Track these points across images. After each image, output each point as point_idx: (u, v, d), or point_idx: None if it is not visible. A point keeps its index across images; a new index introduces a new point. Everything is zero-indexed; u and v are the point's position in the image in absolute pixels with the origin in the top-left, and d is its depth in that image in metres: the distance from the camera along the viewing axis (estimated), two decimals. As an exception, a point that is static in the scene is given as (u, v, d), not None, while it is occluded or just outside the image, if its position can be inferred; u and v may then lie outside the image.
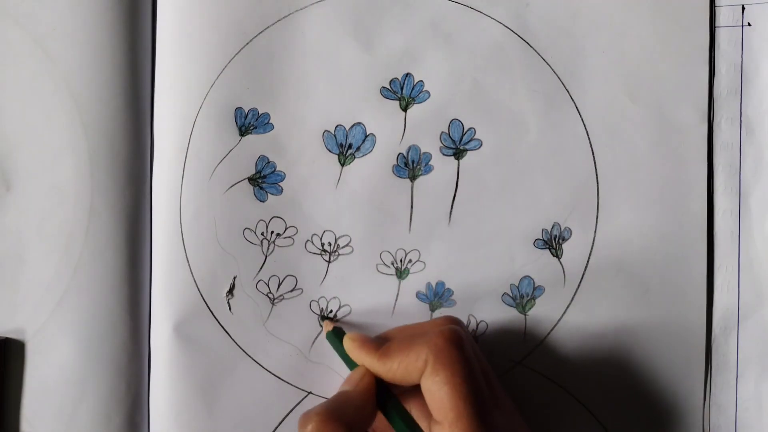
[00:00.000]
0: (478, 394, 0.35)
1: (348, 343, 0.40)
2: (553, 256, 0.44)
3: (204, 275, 0.44)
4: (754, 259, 0.44)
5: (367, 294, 0.44)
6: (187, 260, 0.44)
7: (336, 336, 0.42)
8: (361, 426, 0.37)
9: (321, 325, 0.44)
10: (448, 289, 0.44)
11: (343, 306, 0.44)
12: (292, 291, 0.44)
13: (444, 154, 0.44)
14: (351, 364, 0.40)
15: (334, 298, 0.44)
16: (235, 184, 0.44)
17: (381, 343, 0.39)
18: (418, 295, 0.44)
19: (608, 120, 0.44)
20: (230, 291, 0.44)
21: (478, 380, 0.36)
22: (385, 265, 0.44)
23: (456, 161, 0.44)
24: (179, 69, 0.44)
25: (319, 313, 0.44)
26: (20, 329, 0.43)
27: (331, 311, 0.44)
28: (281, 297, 0.44)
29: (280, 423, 0.44)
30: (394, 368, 0.37)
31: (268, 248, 0.44)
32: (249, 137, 0.44)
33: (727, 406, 0.43)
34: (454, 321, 0.40)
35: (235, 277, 0.44)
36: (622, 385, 0.43)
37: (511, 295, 0.44)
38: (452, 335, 0.36)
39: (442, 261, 0.44)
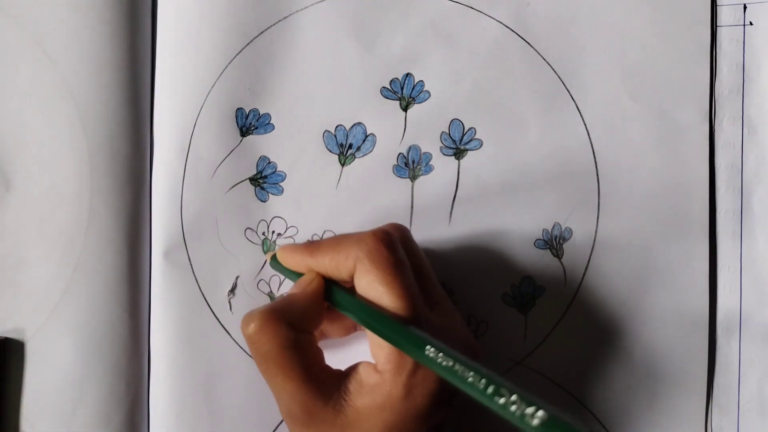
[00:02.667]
0: (410, 295, 0.35)
1: (281, 253, 0.39)
2: (554, 256, 0.44)
3: (205, 275, 0.44)
4: (757, 260, 0.43)
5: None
6: (189, 260, 0.44)
7: (275, 260, 0.41)
8: (307, 325, 0.36)
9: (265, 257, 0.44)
10: (449, 289, 0.44)
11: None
12: (292, 291, 0.44)
13: (444, 154, 0.44)
14: (290, 275, 0.39)
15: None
16: (237, 184, 0.44)
17: (309, 243, 0.38)
18: (419, 295, 0.44)
19: (609, 120, 0.44)
20: (232, 290, 0.44)
21: (408, 279, 0.35)
22: (386, 265, 0.44)
23: (456, 161, 0.44)
24: (179, 69, 0.44)
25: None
26: (20, 329, 0.43)
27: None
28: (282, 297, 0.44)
29: (280, 423, 0.44)
30: (326, 263, 0.37)
31: (269, 248, 0.44)
32: (250, 138, 0.44)
33: (729, 408, 0.43)
34: (394, 226, 0.39)
35: (237, 277, 0.44)
36: (624, 385, 0.43)
37: (511, 295, 0.44)
38: (383, 235, 0.36)
39: (443, 261, 0.44)
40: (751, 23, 0.44)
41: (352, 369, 0.37)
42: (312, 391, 0.35)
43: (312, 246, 0.38)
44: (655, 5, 0.44)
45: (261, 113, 0.44)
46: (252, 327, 0.35)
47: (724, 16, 0.44)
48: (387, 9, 0.44)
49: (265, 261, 0.44)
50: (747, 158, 0.44)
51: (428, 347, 0.33)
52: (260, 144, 0.44)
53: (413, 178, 0.44)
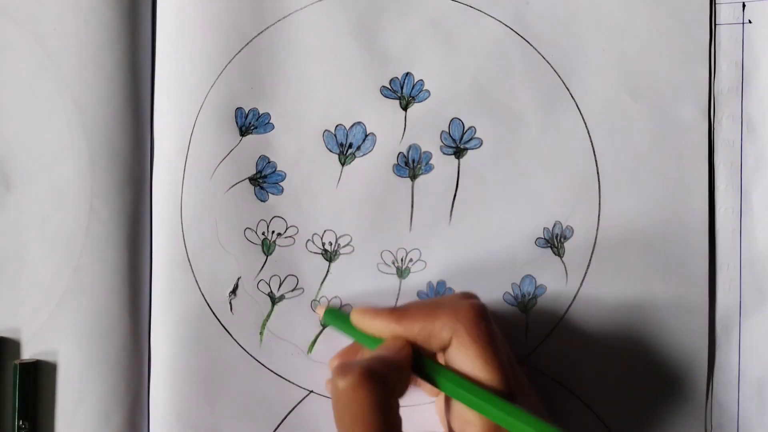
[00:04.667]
0: (507, 372, 0.34)
1: (357, 317, 0.38)
2: (555, 254, 0.44)
3: (205, 275, 0.44)
4: (756, 257, 0.43)
5: (368, 293, 0.44)
6: (188, 260, 0.44)
7: (335, 316, 0.40)
8: (397, 390, 0.35)
9: (314, 311, 0.44)
10: (449, 289, 0.44)
11: (344, 305, 0.44)
12: (293, 290, 0.44)
13: (444, 153, 0.44)
14: (363, 339, 0.38)
15: (335, 297, 0.44)
16: (236, 184, 0.44)
17: (394, 309, 0.37)
18: (419, 294, 0.44)
19: (609, 118, 0.44)
20: (233, 291, 0.44)
21: (504, 355, 0.35)
22: (386, 264, 0.44)
23: (456, 160, 0.44)
24: (179, 69, 0.44)
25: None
26: (20, 329, 0.43)
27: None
28: (282, 297, 0.44)
29: (281, 422, 0.44)
30: (415, 332, 0.36)
31: (269, 248, 0.44)
32: (249, 137, 0.44)
33: (729, 405, 0.43)
34: (471, 296, 0.39)
35: (239, 278, 0.44)
36: (625, 383, 0.43)
37: (512, 294, 0.44)
38: (481, 309, 0.35)
39: (443, 260, 0.44)
40: (750, 21, 0.44)
41: None
42: None
43: (399, 312, 0.37)
44: (654, 4, 0.44)
45: (261, 113, 0.44)
46: (348, 381, 0.33)
47: (723, 14, 0.44)
48: (387, 8, 0.44)
49: (318, 313, 0.43)
50: (746, 156, 0.44)
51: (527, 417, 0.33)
52: (260, 143, 0.44)
53: (413, 177, 0.44)
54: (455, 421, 0.35)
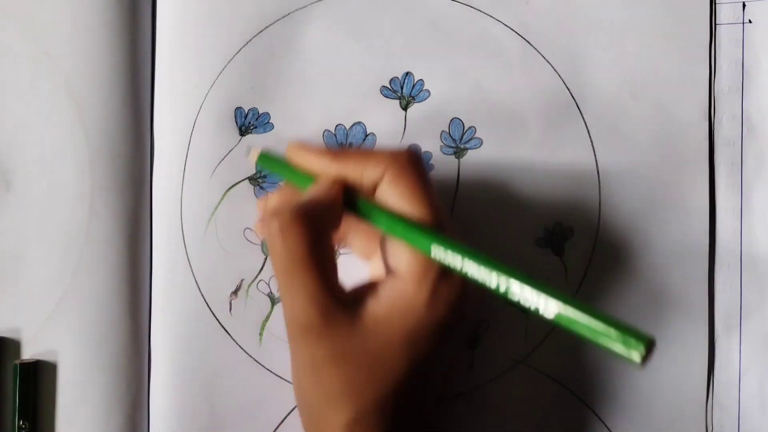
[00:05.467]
0: (437, 206, 0.35)
1: (293, 150, 0.38)
2: (555, 254, 0.44)
3: (205, 275, 0.44)
4: (757, 257, 0.43)
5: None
6: (188, 260, 0.44)
7: (268, 158, 0.40)
8: (329, 228, 0.36)
9: (246, 156, 0.42)
10: (449, 288, 0.44)
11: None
12: (292, 291, 0.44)
13: (444, 153, 0.44)
14: (295, 178, 0.38)
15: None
16: (236, 183, 0.44)
17: (332, 148, 0.38)
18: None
19: (609, 118, 0.44)
20: (235, 292, 0.44)
21: (435, 194, 0.36)
22: (386, 264, 0.44)
23: (456, 160, 0.44)
24: (179, 69, 0.44)
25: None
26: (20, 329, 0.43)
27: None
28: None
29: (281, 422, 0.44)
30: (349, 170, 0.36)
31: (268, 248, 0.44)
32: (249, 137, 0.44)
33: (730, 405, 0.43)
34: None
35: (242, 280, 0.44)
36: (625, 383, 0.43)
37: (512, 293, 0.44)
38: (415, 152, 0.36)
39: (443, 260, 0.44)
40: (750, 21, 0.44)
41: (367, 283, 0.37)
42: (332, 295, 0.34)
43: (334, 150, 0.37)
44: (654, 4, 0.44)
45: (260, 112, 0.44)
46: (279, 223, 0.33)
47: (724, 14, 0.44)
48: (387, 8, 0.44)
49: (251, 157, 0.41)
50: (746, 156, 0.44)
51: (455, 252, 0.33)
52: (260, 143, 0.44)
53: (413, 177, 0.44)
54: (390, 258, 0.36)
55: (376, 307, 0.35)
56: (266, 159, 0.40)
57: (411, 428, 0.36)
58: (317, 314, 0.34)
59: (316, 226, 0.34)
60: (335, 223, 0.36)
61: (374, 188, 0.36)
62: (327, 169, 0.37)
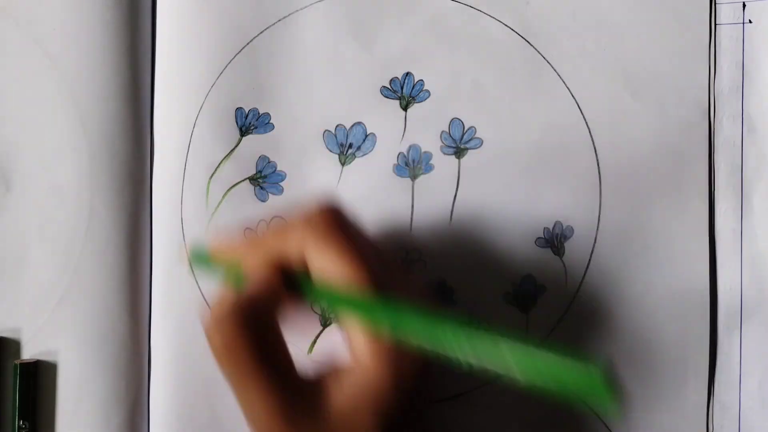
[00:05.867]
0: (368, 263, 0.33)
1: (213, 252, 0.36)
2: (555, 254, 0.44)
3: (205, 275, 0.44)
4: (757, 258, 0.43)
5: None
6: (189, 261, 0.44)
7: (200, 256, 0.38)
8: (273, 315, 0.33)
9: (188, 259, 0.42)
10: (449, 288, 0.44)
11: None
12: (293, 291, 0.44)
13: (444, 153, 0.44)
14: (230, 274, 0.36)
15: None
16: (236, 184, 0.44)
17: (247, 238, 0.36)
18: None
19: (609, 118, 0.44)
20: (234, 292, 0.44)
21: (368, 251, 0.33)
22: (386, 264, 0.44)
23: (457, 160, 0.44)
24: (179, 69, 0.44)
25: (320, 313, 0.44)
26: (20, 329, 0.43)
27: (332, 311, 0.44)
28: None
29: (281, 424, 0.43)
30: (272, 254, 0.34)
31: (268, 249, 0.44)
32: (249, 137, 0.44)
33: (730, 406, 0.43)
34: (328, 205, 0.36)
35: None
36: (625, 383, 0.43)
37: (512, 293, 0.44)
38: (326, 210, 0.34)
39: (443, 260, 0.44)
40: (750, 21, 0.44)
41: (326, 368, 0.34)
42: (289, 396, 0.32)
43: (251, 237, 0.36)
44: (654, 4, 0.44)
45: (261, 113, 0.44)
46: (209, 335, 0.32)
47: (724, 14, 0.44)
48: (386, 8, 0.44)
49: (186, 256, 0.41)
50: (747, 156, 0.44)
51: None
52: (260, 143, 0.44)
53: (414, 177, 0.44)
54: (347, 337, 0.34)
55: (340, 396, 0.32)
56: (198, 257, 0.38)
57: None
58: (278, 420, 0.32)
59: (252, 322, 0.32)
60: (278, 309, 0.34)
61: (303, 260, 0.34)
62: (253, 259, 0.34)
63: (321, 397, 0.33)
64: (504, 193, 0.44)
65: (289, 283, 0.34)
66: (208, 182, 0.44)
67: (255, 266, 0.34)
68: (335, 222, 0.34)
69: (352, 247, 0.33)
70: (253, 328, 0.32)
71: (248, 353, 0.31)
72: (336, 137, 0.44)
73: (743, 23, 0.44)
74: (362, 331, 0.33)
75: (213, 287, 0.44)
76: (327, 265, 0.33)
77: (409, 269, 0.44)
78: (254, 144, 0.44)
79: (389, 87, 0.44)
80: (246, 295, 0.33)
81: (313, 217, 0.34)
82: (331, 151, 0.44)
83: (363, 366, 0.33)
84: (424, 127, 0.44)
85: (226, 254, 0.36)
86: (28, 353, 0.43)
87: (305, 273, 0.34)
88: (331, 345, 0.44)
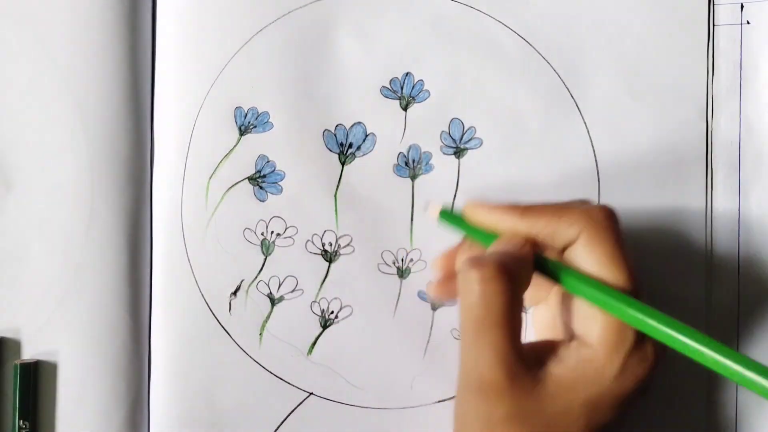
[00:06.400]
0: (635, 273, 0.34)
1: (473, 209, 0.37)
2: (554, 254, 0.44)
3: (205, 275, 0.44)
4: (754, 258, 0.44)
5: (369, 294, 0.44)
6: (188, 260, 0.44)
7: (449, 214, 0.39)
8: (523, 287, 0.34)
9: (426, 211, 0.41)
10: (450, 288, 0.44)
11: (345, 306, 0.44)
12: (292, 291, 0.44)
13: (444, 153, 0.44)
14: (480, 235, 0.37)
15: (335, 298, 0.44)
16: (236, 183, 0.44)
17: (515, 204, 0.36)
18: (420, 294, 0.44)
19: (608, 118, 0.44)
20: (235, 293, 0.44)
21: (632, 259, 0.34)
22: (387, 264, 0.44)
23: (457, 160, 0.44)
24: (179, 69, 0.44)
25: (320, 314, 0.44)
26: (20, 329, 0.43)
27: (332, 312, 0.44)
28: (282, 298, 0.44)
29: (281, 423, 0.44)
30: (539, 228, 0.35)
31: (268, 248, 0.44)
32: (249, 136, 0.44)
33: (728, 405, 0.43)
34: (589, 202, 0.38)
35: (242, 281, 0.44)
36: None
37: (512, 293, 0.44)
38: (610, 212, 0.35)
39: (443, 260, 0.44)
40: (748, 22, 0.44)
41: (548, 343, 0.35)
42: (519, 354, 0.33)
43: (522, 206, 0.36)
44: (653, 4, 0.44)
45: (260, 112, 0.44)
46: (481, 274, 0.33)
47: (722, 15, 0.44)
48: (387, 8, 0.45)
49: (431, 212, 0.39)
50: (744, 156, 0.44)
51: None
52: (259, 143, 0.44)
53: (414, 177, 0.44)
54: (577, 321, 0.35)
55: (560, 370, 0.34)
56: (447, 216, 0.39)
57: None
58: (503, 372, 0.33)
59: (515, 282, 0.33)
60: (527, 282, 0.35)
61: (565, 248, 0.35)
62: (515, 227, 0.36)
63: (539, 365, 0.34)
64: (503, 194, 0.44)
65: (539, 261, 0.35)
66: (208, 182, 0.44)
67: (514, 234, 0.36)
68: (616, 223, 0.35)
69: (625, 250, 0.34)
70: (510, 282, 0.33)
71: (501, 302, 0.33)
72: (336, 137, 0.44)
73: (741, 24, 0.44)
74: (599, 316, 0.34)
75: (213, 287, 0.44)
76: (597, 258, 0.34)
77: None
78: (253, 143, 0.44)
79: (389, 87, 0.44)
80: (506, 252, 0.34)
81: (594, 211, 0.35)
82: (330, 150, 0.44)
83: (591, 347, 0.34)
84: (424, 127, 0.44)
85: (483, 216, 0.37)
86: (28, 353, 0.43)
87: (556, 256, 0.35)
88: (331, 346, 0.44)
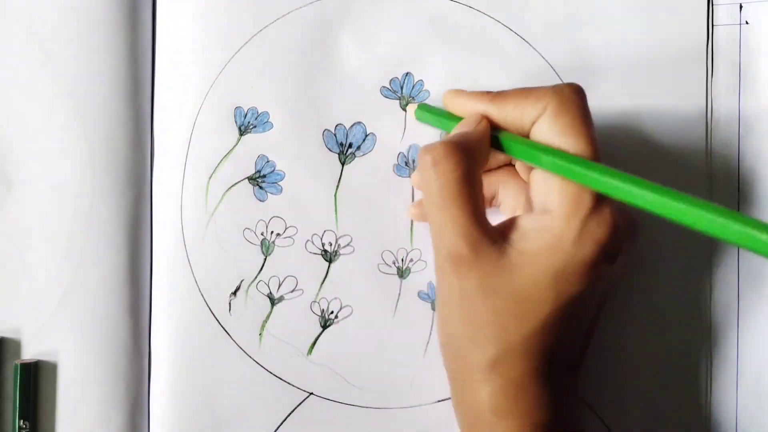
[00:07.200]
0: (596, 143, 0.34)
1: (450, 96, 0.39)
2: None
3: (204, 276, 0.44)
4: (754, 256, 0.44)
5: (369, 294, 0.44)
6: (188, 260, 0.44)
7: (426, 109, 0.41)
8: (479, 163, 0.36)
9: (404, 110, 0.44)
10: (450, 288, 0.44)
11: (345, 306, 0.44)
12: (292, 292, 0.44)
13: (444, 153, 0.44)
14: (454, 125, 0.38)
15: (335, 298, 0.44)
16: (235, 183, 0.44)
17: (490, 92, 0.38)
18: (420, 294, 0.44)
19: (608, 118, 0.44)
20: (234, 293, 0.44)
21: (594, 132, 0.35)
22: (387, 264, 0.44)
23: (456, 160, 0.44)
24: (179, 69, 0.44)
25: (320, 314, 0.44)
26: (20, 329, 0.43)
27: (332, 312, 0.44)
28: (281, 298, 0.44)
29: (281, 424, 0.44)
30: (508, 109, 0.36)
31: (267, 248, 0.44)
32: (249, 136, 0.44)
33: (727, 403, 0.43)
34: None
35: (242, 281, 0.44)
36: (624, 382, 0.43)
37: (512, 293, 0.44)
38: (577, 87, 0.35)
39: (443, 260, 0.44)
40: (747, 22, 0.44)
41: (511, 218, 0.36)
42: (481, 228, 0.34)
43: (494, 93, 0.37)
44: (652, 5, 0.44)
45: (260, 111, 0.44)
46: (433, 157, 0.34)
47: (721, 15, 0.44)
48: (386, 8, 0.45)
49: (408, 112, 0.43)
50: (743, 156, 0.44)
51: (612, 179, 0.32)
52: (259, 143, 0.44)
53: (413, 177, 0.44)
54: (537, 194, 0.35)
55: (523, 242, 0.34)
56: (424, 110, 0.41)
57: (554, 370, 0.36)
58: (467, 245, 0.34)
59: (468, 158, 0.35)
60: (484, 158, 0.36)
61: (532, 123, 0.35)
62: (487, 111, 0.37)
63: (503, 239, 0.35)
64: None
65: (495, 139, 0.36)
66: (208, 182, 0.44)
67: (474, 115, 0.37)
68: (581, 97, 0.35)
69: (587, 121, 0.35)
70: (461, 159, 0.34)
71: (454, 178, 0.34)
72: (336, 137, 0.44)
73: (740, 24, 0.44)
74: (556, 185, 0.34)
75: (213, 287, 0.44)
76: (559, 129, 0.34)
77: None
78: (253, 143, 0.44)
79: (389, 87, 0.44)
80: (460, 131, 0.36)
81: (561, 87, 0.35)
82: (330, 150, 0.44)
83: (549, 215, 0.34)
84: (424, 127, 0.44)
85: (458, 105, 0.39)
86: (28, 353, 0.43)
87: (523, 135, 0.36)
88: (331, 346, 0.44)
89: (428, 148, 0.35)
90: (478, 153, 0.36)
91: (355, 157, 0.44)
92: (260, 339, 0.44)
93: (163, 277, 0.44)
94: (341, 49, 0.45)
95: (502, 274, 0.34)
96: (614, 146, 0.44)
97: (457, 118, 0.38)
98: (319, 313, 0.44)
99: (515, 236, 0.35)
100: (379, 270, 0.44)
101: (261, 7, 0.44)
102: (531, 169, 0.36)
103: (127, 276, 0.44)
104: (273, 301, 0.44)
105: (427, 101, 0.44)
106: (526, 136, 0.36)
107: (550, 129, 0.34)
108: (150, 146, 0.45)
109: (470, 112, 0.38)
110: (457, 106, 0.38)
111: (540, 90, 0.35)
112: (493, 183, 0.40)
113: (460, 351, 0.36)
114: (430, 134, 0.44)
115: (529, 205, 0.36)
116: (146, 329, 0.44)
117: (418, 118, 0.41)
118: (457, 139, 0.35)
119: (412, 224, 0.44)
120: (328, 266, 0.44)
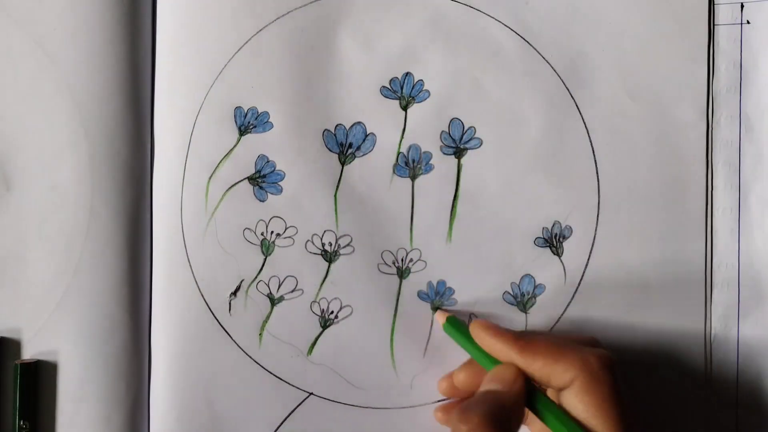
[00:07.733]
0: (623, 429, 0.35)
1: (478, 331, 0.39)
2: (554, 254, 0.44)
3: (205, 275, 0.44)
4: (754, 257, 0.44)
5: (369, 294, 0.44)
6: (188, 260, 0.44)
7: (454, 325, 0.42)
8: (517, 426, 0.36)
9: (432, 312, 0.44)
10: (449, 288, 0.44)
11: (345, 306, 0.44)
12: (292, 292, 0.44)
13: (444, 153, 0.44)
14: (478, 354, 0.39)
15: (335, 298, 0.44)
16: (235, 183, 0.44)
17: (518, 335, 0.38)
18: (420, 294, 0.44)
19: (608, 118, 0.44)
20: (234, 293, 0.44)
21: (624, 413, 0.35)
22: (387, 264, 0.44)
23: (456, 160, 0.44)
24: (179, 69, 0.44)
25: (320, 314, 0.44)
26: (20, 329, 0.43)
27: (332, 312, 0.44)
28: (281, 298, 0.44)
29: (281, 424, 0.44)
30: (535, 367, 0.36)
31: (267, 248, 0.44)
32: (248, 136, 0.44)
33: (728, 404, 0.43)
34: (595, 342, 0.39)
35: (242, 281, 0.44)
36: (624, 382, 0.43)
37: (512, 293, 0.44)
38: (609, 360, 0.36)
39: (443, 260, 0.44)
40: (748, 22, 0.44)
41: None
42: None
43: (522, 342, 0.37)
44: (653, 4, 0.44)
45: (260, 112, 0.44)
46: (470, 428, 0.34)
47: (722, 14, 0.44)
48: (387, 8, 0.44)
49: (438, 320, 0.44)
50: (744, 156, 0.44)
51: None
52: (259, 143, 0.44)
53: (413, 177, 0.44)
54: None
55: None
56: (452, 327, 0.41)
57: None
58: None
59: (503, 427, 0.34)
60: (517, 422, 0.36)
61: (559, 390, 0.36)
62: (513, 360, 0.37)
63: None
64: (503, 193, 0.44)
65: (531, 400, 0.37)
66: (208, 182, 0.44)
67: (509, 369, 0.37)
68: (611, 371, 0.36)
69: (617, 401, 0.35)
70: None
71: None
72: (336, 137, 0.44)
73: (741, 24, 0.44)
74: None
75: (213, 287, 0.44)
76: (586, 407, 0.35)
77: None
78: (253, 143, 0.44)
79: (389, 87, 0.44)
80: (497, 396, 0.36)
81: (590, 359, 0.36)
82: (330, 150, 0.44)
83: None
84: (424, 127, 0.44)
85: (485, 341, 0.39)
86: (28, 353, 0.43)
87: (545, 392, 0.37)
88: (331, 346, 0.44)
89: (465, 417, 0.34)
90: (513, 419, 0.35)
91: (355, 157, 0.44)
92: (260, 339, 0.44)
93: (162, 277, 0.44)
94: (341, 49, 0.44)
95: None
96: (614, 146, 0.44)
97: (486, 355, 0.39)
98: (319, 313, 0.44)
99: None
100: (379, 270, 0.44)
101: (261, 7, 0.44)
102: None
103: (127, 276, 0.44)
104: (273, 301, 0.44)
105: (425, 102, 0.44)
106: (553, 393, 0.37)
107: (579, 402, 0.35)
108: (150, 146, 0.45)
109: (498, 353, 0.38)
110: (485, 344, 0.39)
111: (568, 358, 0.36)
112: None
113: None
114: (430, 136, 0.44)
115: None
116: (146, 329, 0.44)
117: (446, 331, 0.42)
118: (494, 409, 0.35)
119: (411, 224, 0.44)
120: (328, 266, 0.44)
